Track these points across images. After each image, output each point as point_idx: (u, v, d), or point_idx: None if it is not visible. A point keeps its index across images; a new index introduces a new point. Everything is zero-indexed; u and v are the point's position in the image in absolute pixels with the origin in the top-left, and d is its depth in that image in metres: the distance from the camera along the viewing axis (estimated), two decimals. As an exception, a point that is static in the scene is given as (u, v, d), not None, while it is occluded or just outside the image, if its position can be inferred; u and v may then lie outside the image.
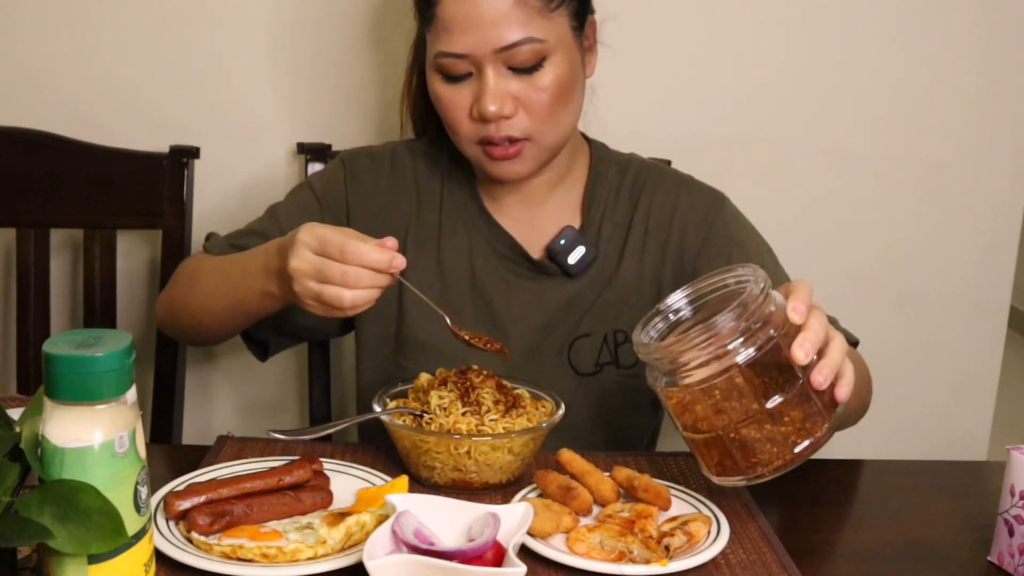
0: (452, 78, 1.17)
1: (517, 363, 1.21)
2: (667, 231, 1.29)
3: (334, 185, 1.31)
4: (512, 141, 1.17)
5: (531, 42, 1.13)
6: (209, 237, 1.35)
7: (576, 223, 1.30)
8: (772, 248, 1.32)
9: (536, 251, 1.29)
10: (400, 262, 1.02)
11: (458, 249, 1.30)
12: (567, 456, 0.99)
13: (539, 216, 1.30)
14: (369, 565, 0.77)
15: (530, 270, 1.28)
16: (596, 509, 0.96)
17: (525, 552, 0.87)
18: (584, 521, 0.94)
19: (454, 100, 1.18)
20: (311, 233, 1.03)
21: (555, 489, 0.95)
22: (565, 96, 1.18)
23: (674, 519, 0.93)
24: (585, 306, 1.28)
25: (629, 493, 0.97)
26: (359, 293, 1.01)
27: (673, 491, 0.99)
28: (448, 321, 1.08)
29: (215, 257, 1.27)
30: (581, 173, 1.32)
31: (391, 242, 1.04)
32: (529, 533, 0.88)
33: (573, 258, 1.26)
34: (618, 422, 1.29)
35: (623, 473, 0.98)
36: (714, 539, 0.90)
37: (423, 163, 1.33)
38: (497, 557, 0.81)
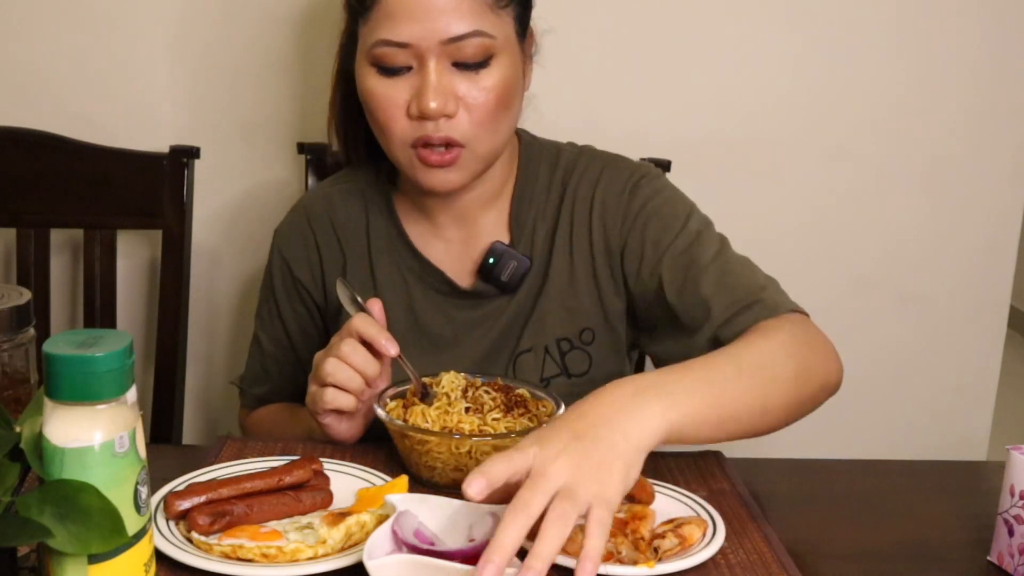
0: (389, 71, 1.10)
1: None
2: (589, 221, 1.21)
3: (281, 273, 1.30)
4: (449, 146, 1.11)
5: (480, 36, 1.08)
6: (242, 391, 1.38)
7: (506, 234, 1.24)
8: (713, 222, 1.21)
9: (468, 276, 1.24)
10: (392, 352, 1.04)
11: (395, 290, 1.25)
12: (567, 456, 0.98)
13: (473, 235, 1.24)
14: (369, 565, 0.77)
15: (466, 299, 1.24)
16: (596, 509, 0.96)
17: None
18: (579, 521, 0.94)
19: (389, 96, 1.10)
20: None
21: (555, 489, 0.95)
22: (507, 101, 1.13)
23: (670, 521, 0.93)
24: (523, 320, 1.23)
25: None
26: (339, 395, 1.05)
27: (672, 493, 0.99)
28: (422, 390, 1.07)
29: (270, 424, 1.31)
30: (512, 180, 1.25)
31: (376, 306, 1.07)
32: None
33: (506, 274, 1.20)
34: None
35: None
36: (708, 542, 0.90)
37: (341, 206, 1.28)
38: None
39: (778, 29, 1.65)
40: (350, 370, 1.04)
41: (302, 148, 1.59)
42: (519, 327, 1.23)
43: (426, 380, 1.08)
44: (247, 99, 1.64)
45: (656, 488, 0.99)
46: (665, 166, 1.59)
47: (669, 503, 0.97)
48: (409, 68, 1.10)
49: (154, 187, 1.56)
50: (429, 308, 1.25)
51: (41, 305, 1.57)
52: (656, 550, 0.87)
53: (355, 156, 1.29)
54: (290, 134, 1.65)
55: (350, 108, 1.23)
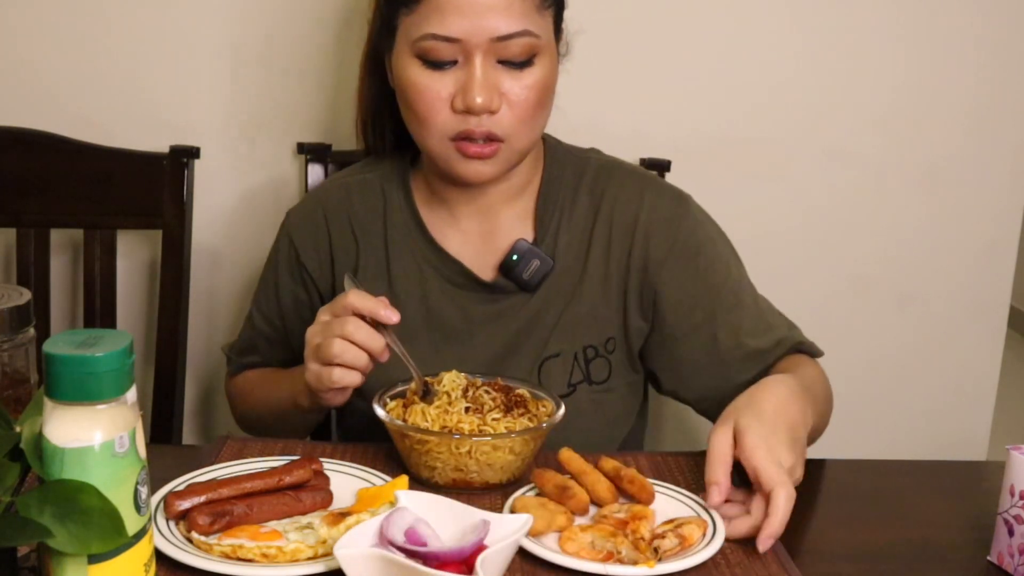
0: (434, 64, 1.11)
1: None
2: (631, 237, 1.23)
3: (287, 255, 1.31)
4: (489, 140, 1.12)
5: (527, 35, 1.10)
6: (229, 359, 1.40)
7: (530, 233, 1.24)
8: (737, 250, 1.28)
9: (489, 270, 1.23)
10: (392, 319, 1.04)
11: (409, 282, 1.25)
12: (566, 455, 0.98)
13: (494, 229, 1.25)
14: (339, 554, 0.78)
15: (485, 292, 1.23)
16: (594, 509, 0.96)
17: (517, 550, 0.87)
18: (579, 521, 0.94)
19: (433, 89, 1.11)
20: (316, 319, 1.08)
21: (552, 488, 0.95)
22: (547, 99, 1.15)
23: (670, 521, 0.93)
24: (550, 323, 1.22)
25: (616, 484, 0.97)
26: (347, 374, 1.05)
27: (672, 493, 0.99)
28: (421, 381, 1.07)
29: (253, 385, 1.34)
30: (537, 179, 1.26)
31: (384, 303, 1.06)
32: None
33: (528, 272, 1.21)
34: (596, 438, 1.23)
35: (610, 464, 0.98)
36: (708, 542, 0.90)
37: (358, 197, 1.28)
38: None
39: (778, 29, 1.65)
40: (356, 348, 1.04)
41: (302, 148, 1.60)
42: (544, 330, 1.23)
43: (427, 379, 1.08)
44: (247, 99, 1.64)
45: (656, 488, 0.99)
46: (665, 166, 1.60)
47: (669, 503, 0.97)
48: (454, 62, 1.11)
49: (154, 187, 1.56)
50: (444, 300, 1.24)
51: (41, 305, 1.57)
52: (656, 550, 0.87)
53: (379, 146, 1.30)
54: (290, 134, 1.65)
55: (376, 98, 1.25)
